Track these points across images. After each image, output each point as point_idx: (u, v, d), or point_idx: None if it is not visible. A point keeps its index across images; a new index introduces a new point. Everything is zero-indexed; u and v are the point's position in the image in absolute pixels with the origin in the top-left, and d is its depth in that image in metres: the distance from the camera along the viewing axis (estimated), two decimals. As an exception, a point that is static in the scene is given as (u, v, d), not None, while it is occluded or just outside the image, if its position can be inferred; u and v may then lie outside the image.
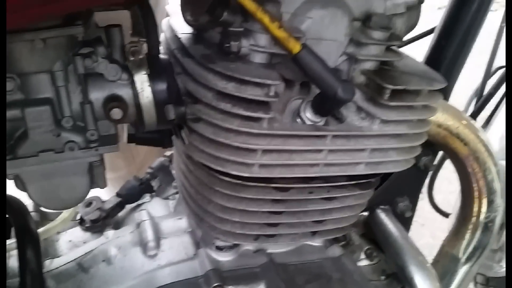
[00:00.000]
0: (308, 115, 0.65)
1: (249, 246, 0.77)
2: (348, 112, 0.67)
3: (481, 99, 1.10)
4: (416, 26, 0.75)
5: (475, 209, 0.83)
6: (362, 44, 0.65)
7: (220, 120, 0.59)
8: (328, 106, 0.62)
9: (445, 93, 0.85)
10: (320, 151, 0.65)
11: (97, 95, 0.62)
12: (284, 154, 0.63)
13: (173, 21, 0.72)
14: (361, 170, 0.69)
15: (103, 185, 0.68)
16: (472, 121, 0.82)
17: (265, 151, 0.62)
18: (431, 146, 0.83)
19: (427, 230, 2.14)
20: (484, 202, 0.82)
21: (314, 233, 0.76)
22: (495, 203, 0.82)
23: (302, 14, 0.62)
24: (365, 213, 0.89)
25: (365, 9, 0.65)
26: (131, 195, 0.92)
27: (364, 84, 0.67)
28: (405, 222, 0.91)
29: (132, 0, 0.64)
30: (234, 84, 0.58)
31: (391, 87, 0.63)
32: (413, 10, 0.70)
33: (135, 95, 0.62)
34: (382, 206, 0.89)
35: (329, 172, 0.67)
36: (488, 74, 1.10)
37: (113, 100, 0.62)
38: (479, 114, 1.12)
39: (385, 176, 0.91)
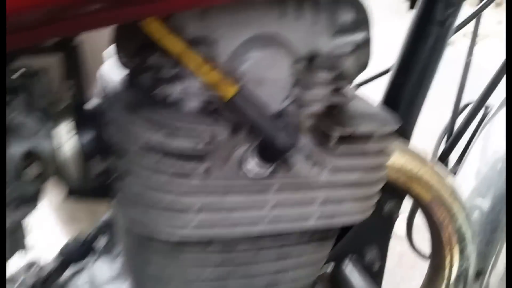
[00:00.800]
0: (252, 164, 0.59)
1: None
2: (296, 160, 0.62)
3: (451, 138, 1.06)
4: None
5: (447, 259, 0.76)
6: (307, 86, 0.60)
7: (145, 177, 0.53)
8: (269, 154, 0.57)
9: (405, 134, 0.80)
10: (263, 205, 0.59)
11: (15, 150, 0.56)
12: (222, 211, 0.57)
13: (108, 64, 0.67)
14: (312, 224, 0.63)
15: (24, 249, 0.61)
16: (436, 164, 0.76)
17: (200, 210, 0.56)
18: (395, 191, 0.78)
19: (418, 272, 2.07)
20: (456, 251, 0.76)
21: (267, 294, 0.69)
22: (466, 251, 0.76)
23: (241, 55, 0.58)
24: (331, 264, 0.82)
25: (310, 49, 0.61)
26: (75, 254, 0.84)
27: (312, 129, 0.61)
28: (376, 273, 0.85)
29: (57, 43, 0.60)
30: (160, 135, 0.52)
31: (337, 132, 0.58)
32: (363, 49, 0.66)
33: (56, 148, 0.57)
34: (350, 255, 0.82)
35: (276, 228, 0.61)
36: (456, 112, 1.06)
37: (30, 156, 0.56)
38: (450, 153, 1.07)
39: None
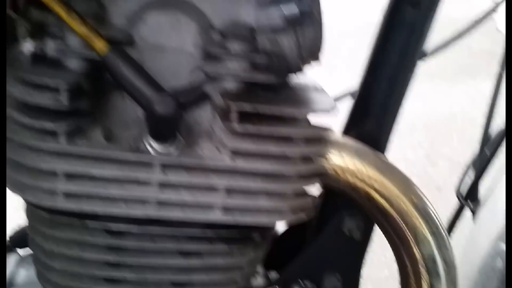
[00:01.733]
0: (150, 141, 0.53)
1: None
2: (203, 142, 0.55)
3: (479, 168, 0.89)
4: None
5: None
6: (219, 58, 0.54)
7: (12, 133, 0.50)
8: (151, 125, 0.51)
9: (378, 144, 0.68)
10: (147, 184, 0.52)
11: None
12: (98, 182, 0.51)
13: None
14: (217, 217, 0.54)
15: None
16: (407, 177, 0.63)
17: (68, 177, 0.51)
18: (355, 205, 0.65)
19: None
20: (424, 287, 0.61)
21: (173, 300, 0.60)
22: (437, 290, 0.60)
23: (139, 18, 0.54)
24: (276, 289, 0.71)
25: (228, 19, 0.55)
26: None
27: (223, 108, 0.54)
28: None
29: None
30: (21, 89, 0.49)
31: (235, 107, 0.50)
32: (306, 26, 0.58)
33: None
34: (302, 282, 0.70)
35: (168, 214, 0.54)
36: (486, 138, 0.89)
37: None
38: (478, 187, 0.91)
39: (303, 240, 0.73)
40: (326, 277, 0.70)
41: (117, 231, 0.55)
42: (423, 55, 0.74)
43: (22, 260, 0.75)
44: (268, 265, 0.80)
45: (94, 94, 0.54)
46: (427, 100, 3.59)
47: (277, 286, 0.70)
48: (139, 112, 0.58)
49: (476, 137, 0.95)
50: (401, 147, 3.02)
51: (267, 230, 0.62)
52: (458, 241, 0.89)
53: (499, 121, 0.91)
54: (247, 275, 0.63)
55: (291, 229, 0.81)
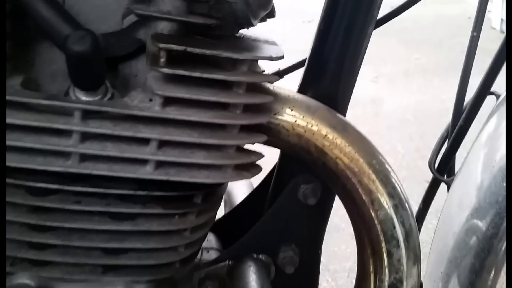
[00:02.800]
0: (76, 91, 0.49)
1: (24, 279, 0.57)
2: (137, 93, 0.50)
3: (451, 137, 0.85)
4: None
5: (370, 265, 0.56)
6: (149, -3, 0.49)
7: None
8: (72, 69, 0.46)
9: (334, 103, 0.63)
10: (68, 132, 0.47)
11: None
12: (11, 132, 0.47)
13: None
14: (147, 173, 0.49)
15: None
16: (363, 135, 0.58)
17: (-22, 123, 0.46)
18: (313, 170, 0.60)
19: None
20: (381, 254, 0.56)
21: (105, 269, 0.55)
22: (395, 256, 0.55)
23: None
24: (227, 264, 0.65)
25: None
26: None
27: (153, 52, 0.49)
28: (290, 279, 0.66)
29: None
30: None
31: (164, 45, 0.45)
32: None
33: None
34: (257, 256, 0.65)
35: (92, 168, 0.49)
36: (460, 105, 0.85)
37: None
38: (453, 157, 0.86)
39: (258, 209, 0.68)
40: (282, 249, 0.65)
41: (38, 189, 0.50)
42: (378, 21, 0.69)
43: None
44: (224, 242, 0.76)
45: (17, 37, 0.50)
46: (419, 95, 3.58)
47: (229, 261, 0.65)
48: (69, 63, 0.53)
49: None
50: (391, 140, 3.00)
51: (211, 192, 0.57)
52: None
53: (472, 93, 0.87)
54: (190, 245, 0.58)
55: (248, 198, 0.76)
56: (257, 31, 0.62)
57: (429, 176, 0.96)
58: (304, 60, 0.72)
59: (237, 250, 0.66)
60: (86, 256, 0.54)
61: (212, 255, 0.72)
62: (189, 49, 0.46)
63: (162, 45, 0.46)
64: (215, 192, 0.59)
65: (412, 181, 2.71)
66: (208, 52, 0.47)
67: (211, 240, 0.75)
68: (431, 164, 0.87)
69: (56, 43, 0.47)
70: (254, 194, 0.78)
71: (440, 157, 0.88)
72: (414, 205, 0.64)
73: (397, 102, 3.51)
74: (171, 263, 0.57)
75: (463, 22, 4.83)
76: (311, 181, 0.62)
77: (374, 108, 3.30)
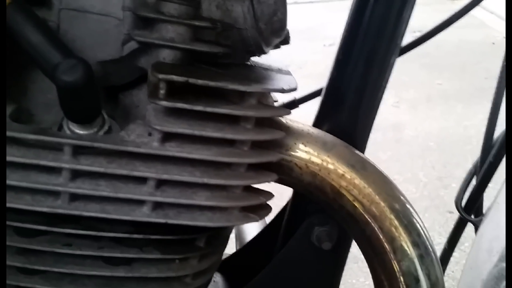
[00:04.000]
0: (69, 124, 0.45)
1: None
2: (135, 126, 0.46)
3: (480, 176, 0.78)
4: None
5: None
6: (150, 21, 0.45)
7: None
8: (60, 98, 0.42)
9: (352, 139, 0.57)
10: (57, 170, 0.43)
11: None
12: (-5, 169, 0.42)
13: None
14: (145, 215, 0.45)
15: None
16: (385, 175, 0.53)
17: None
18: (328, 212, 0.55)
19: None
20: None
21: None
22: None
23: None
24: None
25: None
26: None
27: (153, 82, 0.45)
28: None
29: None
30: None
31: (163, 76, 0.41)
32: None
33: None
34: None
35: (82, 209, 0.44)
36: (489, 142, 0.79)
37: None
38: (480, 197, 0.80)
39: (271, 247, 0.63)
40: (294, 296, 0.60)
41: (27, 230, 0.46)
42: (401, 50, 0.65)
43: None
44: (232, 282, 0.71)
45: (8, 64, 0.46)
46: (441, 121, 3.50)
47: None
48: (66, 92, 0.49)
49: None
50: (413, 168, 2.92)
51: (216, 235, 0.52)
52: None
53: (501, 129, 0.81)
54: (192, 291, 0.53)
55: (258, 237, 0.71)
56: (273, 56, 0.58)
57: (452, 206, 0.90)
58: (312, 94, 0.67)
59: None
60: (77, 303, 0.50)
61: (217, 300, 0.67)
62: (191, 80, 0.42)
63: (161, 76, 0.42)
64: (220, 233, 0.54)
65: (434, 212, 2.62)
66: (212, 83, 0.42)
67: (218, 281, 0.70)
68: (457, 203, 0.81)
69: (44, 73, 0.44)
70: (267, 231, 0.73)
71: (468, 195, 0.82)
72: (436, 236, 0.58)
73: (419, 128, 3.44)
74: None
75: (487, 48, 4.75)
76: (326, 223, 0.57)
77: (395, 134, 3.23)
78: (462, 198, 0.83)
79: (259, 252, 0.72)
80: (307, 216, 0.59)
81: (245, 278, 0.66)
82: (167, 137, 0.45)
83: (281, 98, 0.62)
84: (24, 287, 0.49)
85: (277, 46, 0.58)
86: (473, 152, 3.28)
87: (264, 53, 0.55)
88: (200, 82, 0.42)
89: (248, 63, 0.57)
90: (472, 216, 0.84)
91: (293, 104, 0.78)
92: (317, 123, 0.59)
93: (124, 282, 0.50)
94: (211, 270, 0.55)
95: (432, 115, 3.54)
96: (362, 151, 0.58)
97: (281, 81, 0.49)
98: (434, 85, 4.16)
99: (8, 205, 0.44)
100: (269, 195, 0.50)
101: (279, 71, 0.56)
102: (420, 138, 3.20)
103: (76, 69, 0.40)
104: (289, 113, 0.47)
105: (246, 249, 0.74)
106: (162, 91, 0.43)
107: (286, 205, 0.67)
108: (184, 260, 0.51)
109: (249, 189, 0.50)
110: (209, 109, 0.43)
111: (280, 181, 0.53)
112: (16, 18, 0.41)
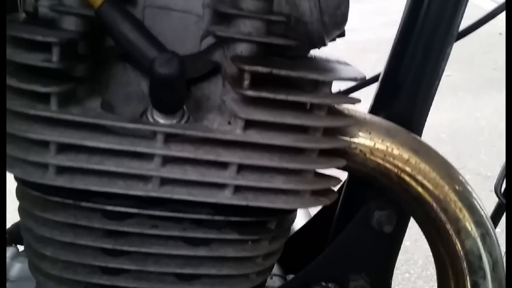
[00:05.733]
0: (153, 113, 0.48)
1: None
2: (213, 116, 0.49)
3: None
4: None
5: (452, 297, 0.53)
6: (228, 17, 0.48)
7: (9, 100, 0.45)
8: (154, 91, 0.45)
9: (410, 125, 0.60)
10: (149, 156, 0.46)
11: None
12: (92, 155, 0.46)
13: None
14: (226, 198, 0.48)
15: None
16: (447, 160, 0.55)
17: (62, 148, 0.45)
18: (389, 196, 0.58)
19: None
20: (467, 286, 0.52)
21: (178, 296, 0.53)
22: (480, 288, 0.52)
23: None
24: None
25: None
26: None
27: (234, 74, 0.48)
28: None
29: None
30: (12, 47, 0.45)
31: (247, 69, 0.44)
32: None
33: None
34: (325, 284, 0.62)
35: (172, 193, 0.47)
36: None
37: None
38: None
39: (324, 237, 0.65)
40: (352, 278, 0.62)
41: (115, 213, 0.49)
42: (458, 34, 0.67)
43: (18, 254, 0.70)
44: (285, 266, 0.73)
45: (93, 60, 0.49)
46: (452, 113, 3.50)
47: (297, 289, 0.62)
48: (143, 85, 0.52)
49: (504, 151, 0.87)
50: (426, 161, 2.93)
51: (284, 218, 0.55)
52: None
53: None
54: (262, 272, 0.56)
55: (311, 223, 0.74)
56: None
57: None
58: (363, 83, 0.70)
59: (304, 278, 0.63)
60: (159, 281, 0.53)
61: (276, 282, 0.69)
62: (275, 71, 0.45)
63: (247, 67, 0.45)
64: (288, 218, 0.57)
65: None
66: (293, 74, 0.45)
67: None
68: (497, 188, 0.84)
69: (140, 66, 0.47)
70: (316, 219, 0.76)
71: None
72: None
73: (430, 120, 3.43)
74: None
75: (494, 38, 4.71)
76: (385, 208, 0.59)
77: (406, 127, 3.24)
78: (501, 184, 0.86)
79: (309, 239, 0.75)
80: (364, 202, 0.61)
81: (297, 263, 0.69)
82: (248, 125, 0.48)
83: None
84: (110, 267, 0.52)
85: (333, 39, 0.61)
86: (485, 143, 3.30)
87: (325, 45, 0.58)
88: (283, 72, 0.45)
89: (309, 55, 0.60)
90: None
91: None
92: (374, 110, 0.62)
93: (203, 262, 0.53)
94: (278, 252, 0.58)
95: (443, 107, 3.53)
96: (419, 137, 0.61)
97: (349, 71, 0.51)
98: (443, 76, 4.16)
99: (103, 189, 0.47)
100: (337, 180, 0.53)
101: (339, 62, 0.58)
102: (431, 130, 3.20)
103: (172, 62, 0.43)
104: (359, 101, 0.49)
105: (296, 236, 0.77)
106: (246, 82, 0.46)
107: (339, 192, 0.70)
108: (257, 241, 0.54)
109: (318, 174, 0.53)
110: (290, 98, 0.46)
111: (344, 167, 0.55)
112: (113, 15, 0.44)
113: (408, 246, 1.96)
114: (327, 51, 0.60)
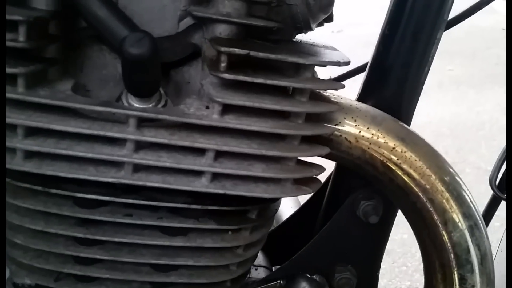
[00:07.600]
0: (128, 97, 0.46)
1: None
2: (192, 100, 0.46)
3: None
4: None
5: (439, 291, 0.51)
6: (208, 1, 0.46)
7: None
8: (127, 73, 0.43)
9: (398, 113, 0.58)
10: (121, 141, 0.44)
11: None
12: (62, 140, 0.44)
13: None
14: (203, 186, 0.46)
15: None
16: (435, 149, 0.53)
17: (30, 132, 0.43)
18: (376, 185, 0.56)
19: None
20: (454, 281, 0.50)
21: (153, 287, 0.51)
22: (467, 283, 0.50)
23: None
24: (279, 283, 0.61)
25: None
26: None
27: (211, 56, 0.46)
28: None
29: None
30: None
31: (225, 49, 0.42)
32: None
33: None
34: (310, 276, 0.60)
35: (145, 180, 0.45)
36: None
37: None
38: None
39: (310, 226, 0.64)
40: (338, 270, 0.61)
41: (86, 201, 0.48)
42: (452, 21, 0.65)
43: None
44: (271, 258, 0.72)
45: (65, 40, 0.47)
46: (453, 107, 3.47)
47: (280, 281, 0.60)
48: (120, 68, 0.50)
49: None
50: (427, 155, 2.91)
51: (267, 207, 0.53)
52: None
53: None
54: (242, 263, 0.54)
55: (300, 212, 0.72)
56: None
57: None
58: (354, 70, 0.67)
59: (289, 269, 0.62)
60: (134, 272, 0.51)
61: (261, 273, 0.68)
62: (253, 53, 0.43)
63: (223, 49, 0.43)
64: (270, 207, 0.55)
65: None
66: (272, 56, 0.43)
67: (259, 257, 0.71)
68: (492, 181, 0.82)
69: (111, 46, 0.44)
70: (304, 209, 0.74)
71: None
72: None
73: (431, 114, 3.42)
74: (222, 282, 0.54)
75: (497, 33, 4.68)
76: (371, 198, 0.58)
77: (408, 121, 3.23)
78: (496, 177, 0.84)
79: (297, 229, 0.73)
80: (351, 192, 0.59)
81: (283, 254, 0.67)
82: (226, 109, 0.45)
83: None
84: (83, 257, 0.50)
85: (320, 24, 0.59)
86: (486, 138, 3.28)
87: (311, 29, 0.55)
88: (261, 55, 0.43)
89: (294, 40, 0.58)
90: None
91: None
92: (362, 98, 0.60)
93: (180, 252, 0.51)
94: (260, 243, 0.56)
95: (444, 101, 3.51)
96: (408, 125, 0.59)
97: (333, 55, 0.49)
98: (445, 71, 4.12)
99: (72, 175, 0.45)
100: (320, 168, 0.51)
101: (326, 47, 0.56)
102: (433, 124, 3.19)
103: (143, 42, 0.41)
104: (343, 86, 0.47)
105: (283, 226, 0.75)
106: (223, 64, 0.44)
107: (326, 182, 0.68)
108: (237, 231, 0.52)
109: (301, 162, 0.51)
110: (269, 82, 0.44)
111: (328, 155, 0.53)
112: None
113: (406, 239, 1.95)
114: (331, 45, 0.58)
